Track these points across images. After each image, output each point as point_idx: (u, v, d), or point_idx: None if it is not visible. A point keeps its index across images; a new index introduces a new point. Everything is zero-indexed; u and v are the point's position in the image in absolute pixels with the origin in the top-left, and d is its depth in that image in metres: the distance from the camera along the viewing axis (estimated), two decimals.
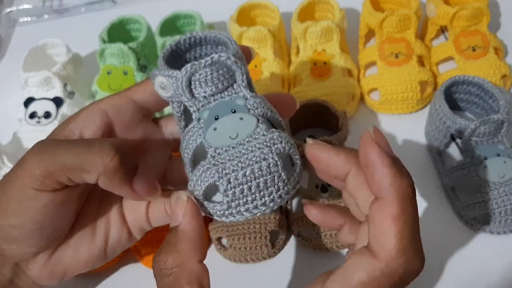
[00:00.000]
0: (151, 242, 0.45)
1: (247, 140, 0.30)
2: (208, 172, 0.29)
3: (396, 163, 0.28)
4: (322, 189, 0.46)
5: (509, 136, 0.47)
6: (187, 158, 0.32)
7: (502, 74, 0.54)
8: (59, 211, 0.34)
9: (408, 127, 0.55)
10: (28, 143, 0.55)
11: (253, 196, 0.29)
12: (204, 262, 0.31)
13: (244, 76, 0.32)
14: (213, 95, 0.32)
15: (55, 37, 0.62)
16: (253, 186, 0.29)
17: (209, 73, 0.31)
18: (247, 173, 0.28)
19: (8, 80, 0.67)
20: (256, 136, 0.30)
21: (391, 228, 0.27)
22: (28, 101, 0.57)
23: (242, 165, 0.29)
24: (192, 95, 0.32)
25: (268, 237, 0.45)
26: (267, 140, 0.29)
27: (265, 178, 0.28)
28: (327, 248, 0.45)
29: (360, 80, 0.58)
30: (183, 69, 0.31)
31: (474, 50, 0.56)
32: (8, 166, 0.52)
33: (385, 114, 0.56)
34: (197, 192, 0.30)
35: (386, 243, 0.27)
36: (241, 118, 0.31)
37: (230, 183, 0.28)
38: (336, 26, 0.56)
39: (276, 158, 0.29)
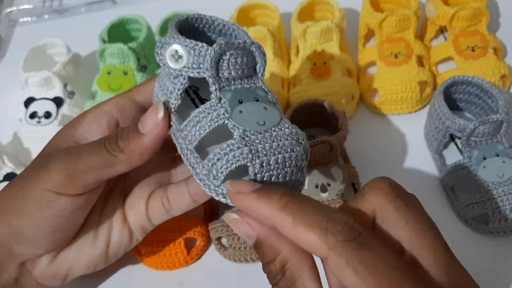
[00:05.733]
0: (151, 242, 0.45)
1: (274, 129, 0.29)
2: (239, 152, 0.28)
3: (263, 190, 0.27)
4: (322, 189, 0.46)
5: (508, 136, 0.47)
6: (198, 136, 0.30)
7: (501, 74, 0.55)
8: (75, 215, 0.34)
9: (408, 127, 0.55)
10: (29, 143, 0.55)
11: (277, 184, 0.29)
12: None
13: (263, 69, 0.32)
14: (234, 79, 0.31)
15: (55, 37, 0.62)
16: (281, 175, 0.28)
17: (240, 55, 0.30)
18: (279, 160, 0.28)
19: (8, 80, 0.67)
20: (282, 128, 0.30)
21: None
22: (28, 101, 0.57)
23: (275, 151, 0.28)
24: (217, 73, 0.30)
25: None
26: (293, 133, 0.29)
27: (292, 168, 0.28)
28: None
29: (359, 80, 0.58)
30: (216, 45, 0.30)
31: (473, 50, 0.56)
32: (8, 166, 0.52)
33: (385, 114, 0.56)
34: (220, 171, 0.29)
35: None
36: (265, 108, 0.30)
37: (263, 166, 0.28)
38: (335, 26, 0.56)
39: (302, 152, 0.29)
